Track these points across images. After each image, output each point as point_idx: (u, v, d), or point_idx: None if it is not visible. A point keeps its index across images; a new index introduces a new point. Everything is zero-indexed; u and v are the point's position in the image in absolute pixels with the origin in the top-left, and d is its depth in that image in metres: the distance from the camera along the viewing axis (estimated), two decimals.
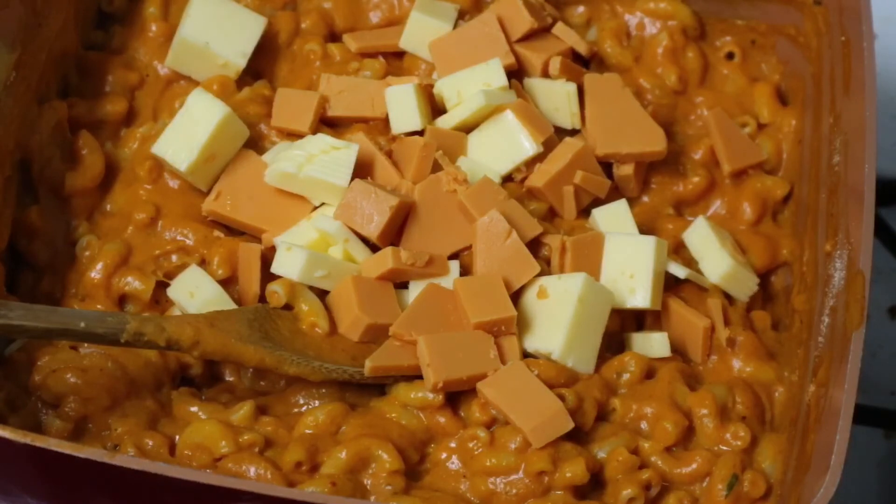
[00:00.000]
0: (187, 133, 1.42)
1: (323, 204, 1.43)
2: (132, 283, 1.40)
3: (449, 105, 1.49)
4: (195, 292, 1.39)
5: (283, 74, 1.55)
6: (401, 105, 1.47)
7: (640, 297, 1.40)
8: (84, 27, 1.54)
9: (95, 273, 1.40)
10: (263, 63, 1.55)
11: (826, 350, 1.34)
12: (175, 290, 1.40)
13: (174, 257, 1.42)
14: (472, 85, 1.47)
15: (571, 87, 1.49)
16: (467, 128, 1.47)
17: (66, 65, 1.51)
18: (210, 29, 1.51)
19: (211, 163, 1.44)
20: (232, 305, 1.39)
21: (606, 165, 1.48)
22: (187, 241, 1.42)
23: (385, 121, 1.48)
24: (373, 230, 1.38)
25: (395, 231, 1.40)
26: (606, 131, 1.47)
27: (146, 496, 1.23)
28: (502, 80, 1.47)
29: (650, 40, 1.58)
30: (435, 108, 1.50)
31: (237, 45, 1.52)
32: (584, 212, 1.47)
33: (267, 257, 1.40)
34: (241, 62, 1.51)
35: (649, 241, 1.41)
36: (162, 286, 1.41)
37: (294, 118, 1.48)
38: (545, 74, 1.51)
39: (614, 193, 1.48)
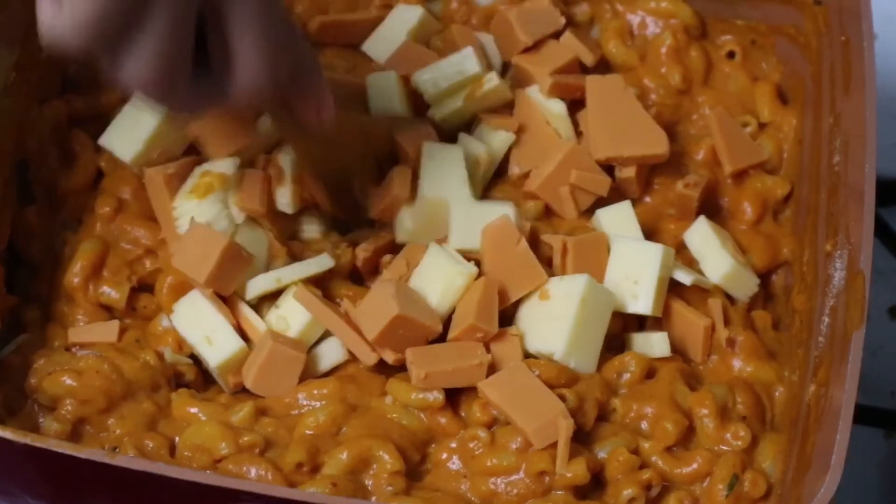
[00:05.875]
0: (132, 125, 1.42)
1: None
2: (108, 292, 1.40)
3: (427, 97, 1.49)
4: (212, 338, 1.37)
5: None
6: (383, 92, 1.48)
7: (642, 303, 1.39)
8: None
9: (74, 275, 1.40)
10: None
11: (826, 350, 1.34)
12: (187, 329, 1.38)
13: (147, 263, 1.41)
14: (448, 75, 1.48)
15: (561, 107, 1.49)
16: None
17: (67, 65, 1.50)
18: None
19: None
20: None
21: (608, 168, 1.48)
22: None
23: None
24: (203, 272, 1.35)
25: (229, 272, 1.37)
26: (608, 134, 1.47)
27: (146, 497, 1.23)
28: (475, 66, 1.47)
29: (653, 40, 1.58)
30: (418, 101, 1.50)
31: None
32: (589, 212, 1.47)
33: None
34: None
35: (656, 249, 1.40)
36: (136, 291, 1.41)
37: None
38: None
39: (616, 194, 1.48)
